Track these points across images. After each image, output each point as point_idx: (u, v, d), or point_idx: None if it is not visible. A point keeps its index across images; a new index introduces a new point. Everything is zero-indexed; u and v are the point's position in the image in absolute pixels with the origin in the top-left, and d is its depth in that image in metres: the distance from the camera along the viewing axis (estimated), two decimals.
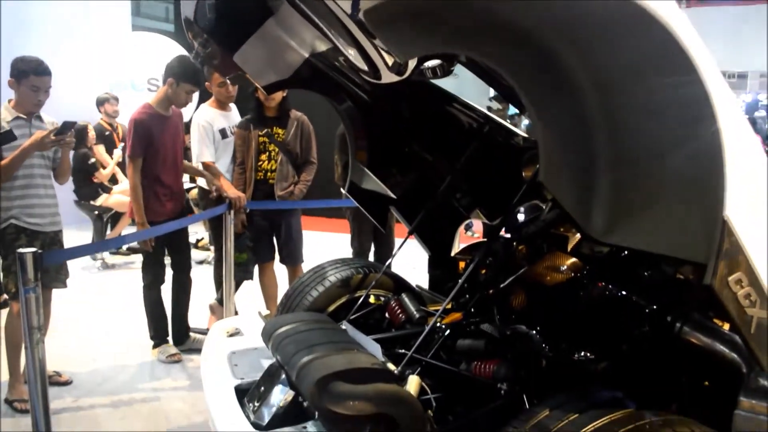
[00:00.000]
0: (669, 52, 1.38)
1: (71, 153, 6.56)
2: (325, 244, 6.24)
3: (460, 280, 2.45)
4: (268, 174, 4.49)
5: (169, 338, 4.44)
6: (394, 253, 3.23)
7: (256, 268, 4.72)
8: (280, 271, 4.73)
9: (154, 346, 4.37)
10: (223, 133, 4.49)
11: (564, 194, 1.70)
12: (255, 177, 4.47)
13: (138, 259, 7.34)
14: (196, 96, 4.38)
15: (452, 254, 3.17)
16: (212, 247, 5.05)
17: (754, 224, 1.54)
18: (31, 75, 3.48)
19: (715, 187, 1.45)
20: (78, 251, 3.06)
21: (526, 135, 2.75)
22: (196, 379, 3.84)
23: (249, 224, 4.51)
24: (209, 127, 4.41)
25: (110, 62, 9.03)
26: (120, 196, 7.15)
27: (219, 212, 4.22)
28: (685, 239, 1.55)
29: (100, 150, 7.29)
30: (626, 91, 1.55)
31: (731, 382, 1.83)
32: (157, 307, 4.37)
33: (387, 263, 3.11)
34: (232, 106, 4.68)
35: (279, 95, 4.35)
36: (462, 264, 3.09)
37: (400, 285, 3.05)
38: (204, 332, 4.28)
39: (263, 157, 4.47)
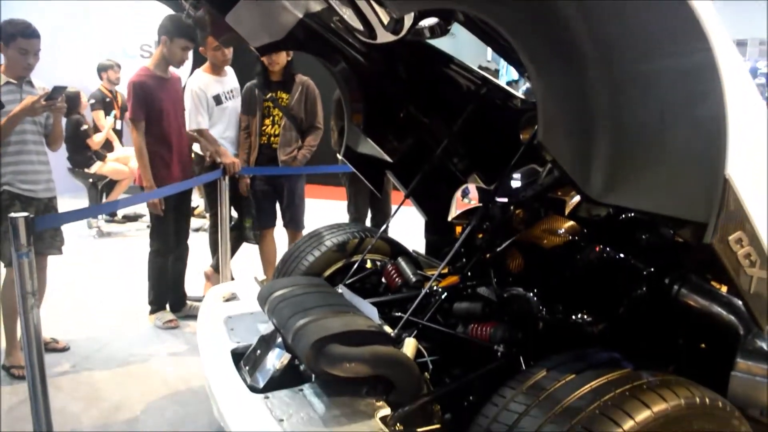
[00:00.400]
0: (680, 19, 1.35)
1: (64, 120, 6.51)
2: (323, 212, 6.21)
3: (456, 244, 2.44)
4: (272, 139, 4.46)
5: (166, 305, 4.44)
6: (390, 217, 3.21)
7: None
8: (279, 237, 4.71)
9: (151, 312, 4.37)
10: (218, 100, 4.42)
11: (562, 154, 1.67)
12: (259, 141, 4.46)
13: (134, 227, 7.39)
14: (190, 60, 4.32)
15: (449, 219, 3.15)
16: (207, 215, 5.02)
17: (756, 183, 1.52)
18: (18, 38, 3.40)
19: (716, 146, 1.43)
20: (71, 216, 3.03)
21: (523, 97, 2.71)
22: (194, 345, 3.85)
23: (252, 189, 4.50)
24: (203, 94, 4.35)
25: (102, 29, 8.89)
26: (115, 163, 7.10)
27: (213, 178, 4.18)
28: (685, 198, 1.53)
29: (100, 116, 7.23)
30: (632, 53, 1.52)
31: (728, 345, 1.83)
32: (162, 275, 4.34)
33: (383, 228, 3.09)
34: (229, 70, 4.60)
35: (283, 59, 4.30)
36: (459, 229, 3.08)
37: (396, 249, 3.04)
38: (201, 300, 4.27)
39: (267, 121, 4.44)
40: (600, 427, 1.45)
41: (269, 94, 4.38)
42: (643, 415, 1.47)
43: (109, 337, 4.14)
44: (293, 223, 4.62)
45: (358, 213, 4.87)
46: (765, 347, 1.78)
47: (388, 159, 2.93)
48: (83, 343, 4.02)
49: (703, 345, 2.06)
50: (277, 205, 4.68)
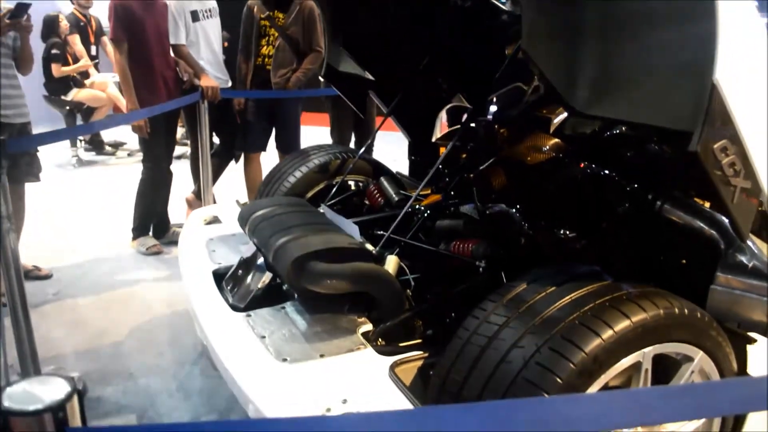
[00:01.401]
0: None
1: (42, 45, 6.24)
2: (306, 138, 6.14)
3: (437, 162, 2.40)
4: (266, 60, 4.36)
5: (149, 231, 4.41)
6: (372, 135, 3.16)
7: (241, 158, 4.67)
8: (265, 163, 4.65)
9: (134, 238, 4.34)
10: (195, 16, 4.23)
11: (547, 64, 1.63)
12: (255, 62, 4.36)
13: (116, 155, 7.27)
14: None
15: (433, 140, 3.10)
16: (188, 141, 4.93)
17: (744, 91, 1.47)
18: None
19: (706, 50, 1.38)
20: (45, 138, 2.95)
21: (510, 9, 2.62)
22: (177, 270, 3.83)
23: (244, 111, 4.44)
24: (179, 7, 4.16)
25: None
26: (92, 90, 6.91)
27: (191, 101, 4.07)
28: (672, 107, 1.49)
29: (75, 40, 6.98)
30: None
31: (709, 260, 1.83)
32: (151, 202, 4.30)
33: (364, 147, 3.04)
34: None
35: None
36: (443, 150, 3.03)
37: (379, 170, 3.00)
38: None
39: (263, 41, 4.34)
40: (579, 336, 1.45)
41: (266, 13, 4.24)
42: (622, 324, 1.47)
43: (92, 264, 4.12)
44: (287, 147, 4.50)
45: (341, 137, 4.80)
46: (745, 261, 1.78)
47: (370, 77, 2.85)
48: (66, 270, 4.00)
49: (684, 261, 2.07)
50: (267, 130, 4.58)
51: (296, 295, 2.03)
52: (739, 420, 1.79)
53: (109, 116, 7.14)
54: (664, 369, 1.67)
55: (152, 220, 4.38)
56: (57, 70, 6.57)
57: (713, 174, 1.45)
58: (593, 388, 1.47)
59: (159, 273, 3.99)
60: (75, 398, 0.80)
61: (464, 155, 2.67)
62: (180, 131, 7.07)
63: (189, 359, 2.95)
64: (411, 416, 0.85)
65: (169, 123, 4.23)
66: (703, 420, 1.71)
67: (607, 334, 1.45)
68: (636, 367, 1.56)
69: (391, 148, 5.17)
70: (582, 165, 2.27)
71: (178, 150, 6.94)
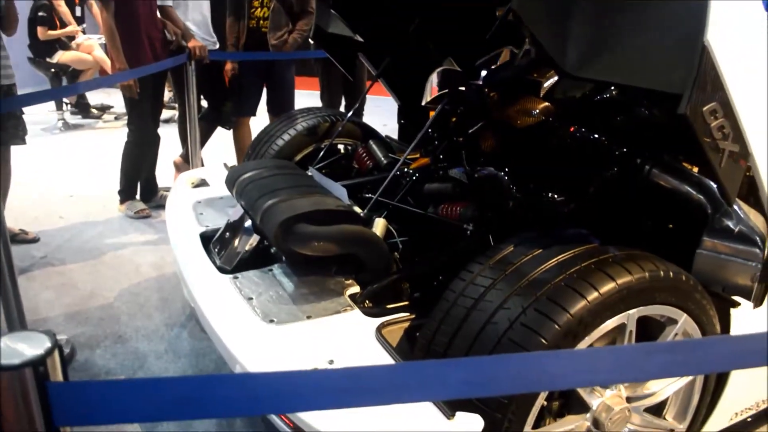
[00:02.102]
0: None
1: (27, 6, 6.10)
2: (297, 102, 6.08)
3: (426, 126, 2.39)
4: (261, 22, 4.30)
5: (137, 195, 4.38)
6: (361, 98, 3.13)
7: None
8: (255, 127, 4.61)
9: (121, 202, 4.31)
10: None
11: (538, 24, 1.60)
12: (248, 25, 4.29)
13: (103, 119, 7.18)
14: None
15: (423, 103, 3.08)
16: (176, 104, 4.87)
17: (735, 53, 1.46)
18: None
19: (697, 11, 1.36)
20: (32, 98, 2.91)
21: None
22: (165, 233, 3.82)
23: (238, 75, 4.39)
24: None
25: None
26: (78, 52, 6.79)
27: (178, 63, 4.01)
28: (662, 69, 1.48)
29: (60, 2, 6.84)
30: None
31: (695, 225, 1.84)
32: (137, 164, 4.27)
33: (353, 110, 3.01)
34: None
35: None
36: (433, 113, 3.01)
37: (368, 133, 2.98)
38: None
39: (256, 3, 4.27)
40: (565, 298, 1.45)
41: None
42: (608, 286, 1.48)
43: (80, 228, 4.10)
44: (280, 110, 4.40)
45: (331, 101, 4.77)
46: (731, 226, 1.79)
47: (360, 39, 2.81)
48: (53, 234, 3.98)
49: (671, 225, 2.08)
50: (259, 93, 4.53)
51: (283, 258, 2.03)
52: (721, 380, 1.82)
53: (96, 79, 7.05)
54: (649, 331, 1.69)
55: (137, 187, 4.35)
56: (43, 33, 6.45)
57: (701, 138, 1.45)
58: None
59: (147, 236, 3.97)
60: (56, 353, 0.79)
61: (454, 119, 2.65)
62: (168, 95, 7.02)
63: (177, 321, 2.95)
64: (395, 370, 0.85)
65: (155, 85, 4.17)
66: (685, 381, 1.74)
67: (593, 296, 1.46)
68: (620, 328, 1.57)
69: (382, 112, 5.14)
70: (571, 129, 2.26)
71: (167, 113, 6.91)
